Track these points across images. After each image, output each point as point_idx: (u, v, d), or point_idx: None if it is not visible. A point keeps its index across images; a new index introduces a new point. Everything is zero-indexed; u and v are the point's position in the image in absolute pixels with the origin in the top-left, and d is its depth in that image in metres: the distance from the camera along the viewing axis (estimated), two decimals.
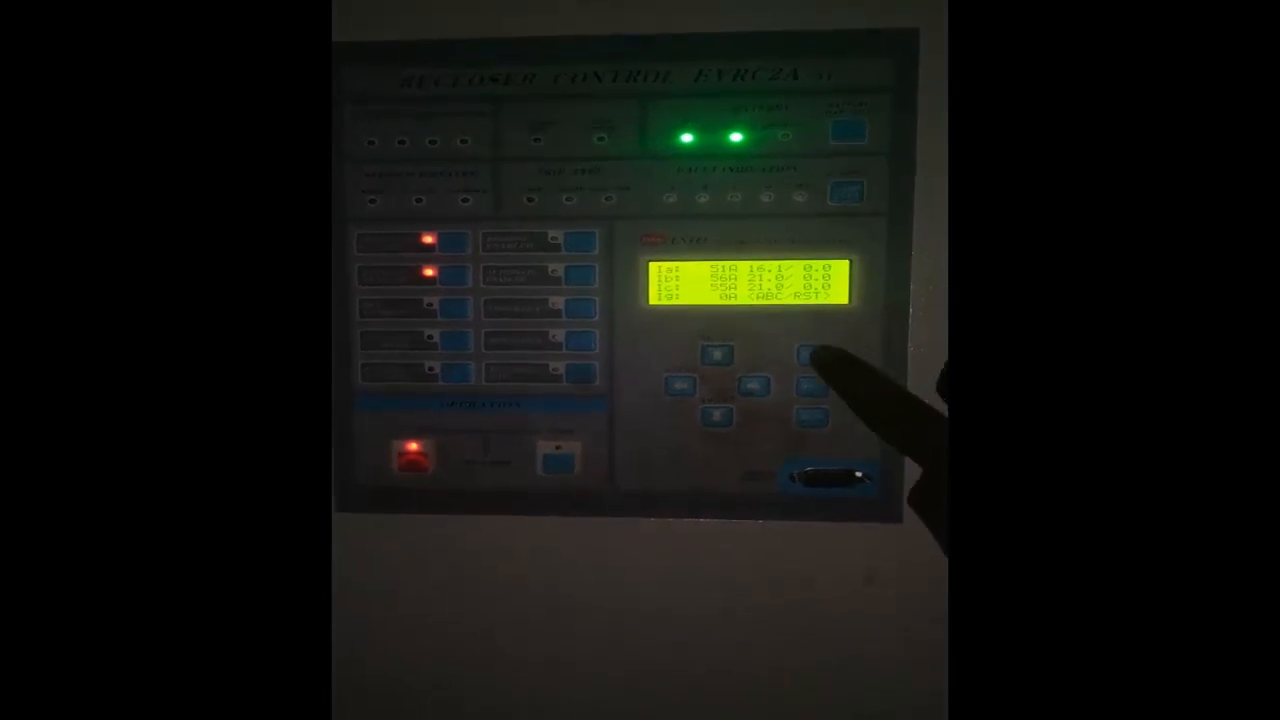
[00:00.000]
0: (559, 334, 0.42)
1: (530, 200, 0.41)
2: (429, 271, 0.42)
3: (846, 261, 0.40)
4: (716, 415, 0.42)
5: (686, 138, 0.41)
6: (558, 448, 0.43)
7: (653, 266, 0.41)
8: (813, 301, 0.41)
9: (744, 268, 0.41)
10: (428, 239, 0.42)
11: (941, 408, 0.34)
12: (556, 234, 0.41)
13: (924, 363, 0.41)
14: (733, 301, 0.41)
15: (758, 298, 0.41)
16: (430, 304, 0.42)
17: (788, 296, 0.41)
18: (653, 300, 0.41)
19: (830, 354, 0.39)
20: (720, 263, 0.41)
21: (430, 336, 0.43)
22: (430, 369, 0.43)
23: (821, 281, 0.41)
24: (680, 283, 0.41)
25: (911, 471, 0.38)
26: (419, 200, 0.42)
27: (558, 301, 0.42)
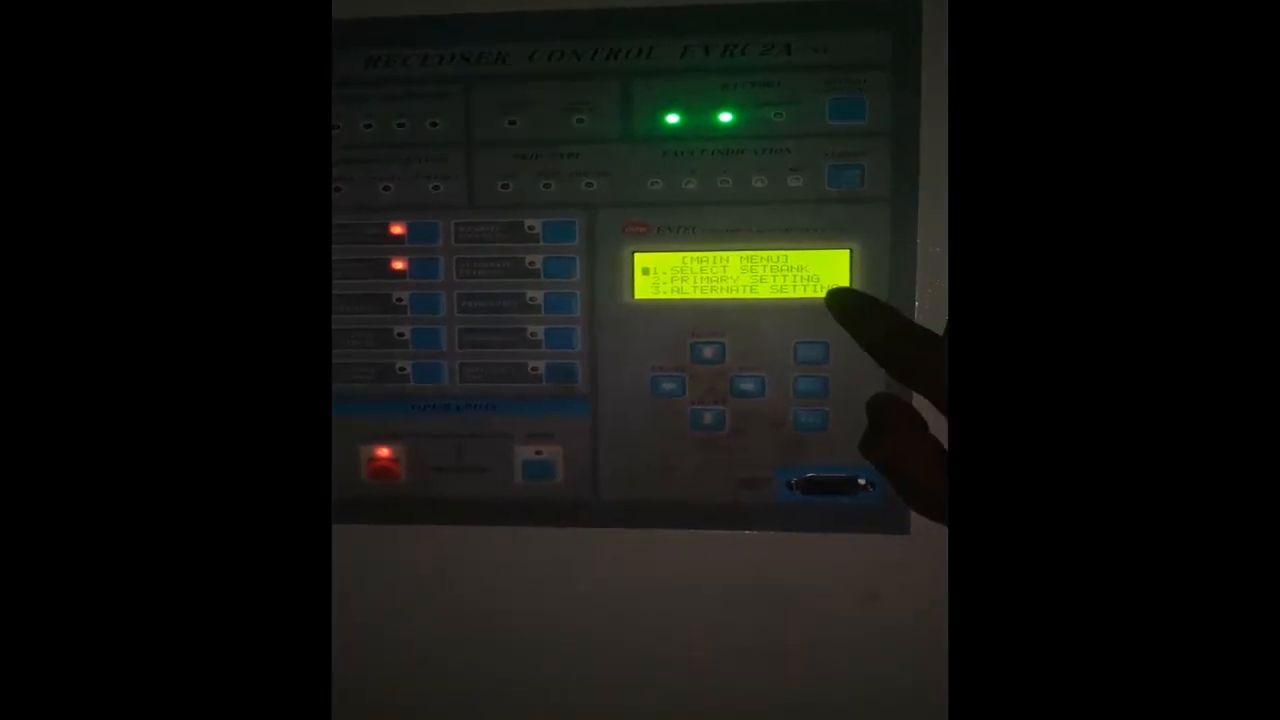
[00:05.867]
0: (538, 331, 0.39)
1: (505, 187, 0.39)
2: (399, 264, 0.39)
3: (846, 251, 0.37)
4: (707, 418, 0.39)
5: (672, 118, 0.38)
6: (537, 453, 0.40)
7: (637, 257, 0.38)
8: (810, 294, 0.38)
9: (735, 258, 0.38)
10: (397, 229, 0.39)
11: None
12: (534, 223, 0.39)
13: None
14: (724, 295, 0.38)
15: (751, 290, 0.38)
16: (400, 299, 0.39)
17: (783, 289, 0.38)
18: (638, 294, 0.38)
19: (843, 296, 0.34)
20: (710, 253, 0.38)
21: (401, 334, 0.40)
22: (401, 369, 0.40)
23: (819, 272, 0.38)
24: (667, 274, 0.38)
25: None
26: (387, 188, 0.39)
27: (536, 296, 0.39)
